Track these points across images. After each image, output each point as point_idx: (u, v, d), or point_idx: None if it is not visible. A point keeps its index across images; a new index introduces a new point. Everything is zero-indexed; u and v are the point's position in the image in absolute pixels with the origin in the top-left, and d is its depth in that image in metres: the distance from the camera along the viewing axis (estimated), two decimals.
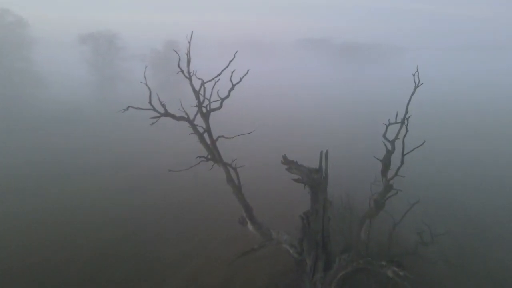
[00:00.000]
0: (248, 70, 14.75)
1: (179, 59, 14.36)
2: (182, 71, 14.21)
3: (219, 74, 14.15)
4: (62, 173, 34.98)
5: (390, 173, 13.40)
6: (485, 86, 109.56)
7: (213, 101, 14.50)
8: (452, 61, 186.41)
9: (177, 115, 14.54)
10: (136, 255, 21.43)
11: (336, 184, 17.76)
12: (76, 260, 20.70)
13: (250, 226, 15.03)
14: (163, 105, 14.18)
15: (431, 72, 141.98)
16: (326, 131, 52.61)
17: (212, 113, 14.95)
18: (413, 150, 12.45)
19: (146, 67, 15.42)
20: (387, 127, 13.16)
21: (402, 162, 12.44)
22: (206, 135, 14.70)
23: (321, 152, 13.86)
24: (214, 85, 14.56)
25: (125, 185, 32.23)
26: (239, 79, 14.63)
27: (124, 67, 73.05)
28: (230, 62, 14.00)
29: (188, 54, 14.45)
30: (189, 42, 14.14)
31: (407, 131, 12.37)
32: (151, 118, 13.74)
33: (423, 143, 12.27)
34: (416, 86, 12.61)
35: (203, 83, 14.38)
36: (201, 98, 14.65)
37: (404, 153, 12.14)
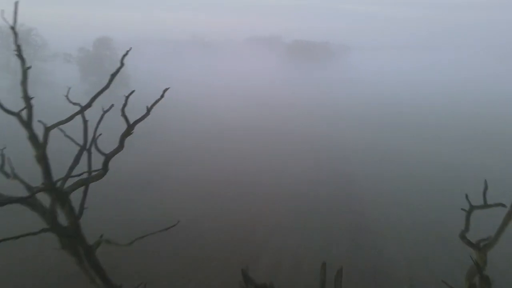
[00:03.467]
0: (167, 90, 7.30)
1: None
2: None
3: (93, 99, 6.54)
4: None
5: None
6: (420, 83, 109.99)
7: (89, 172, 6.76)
8: (394, 59, 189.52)
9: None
10: None
11: None
12: None
13: None
14: None
15: (376, 70, 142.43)
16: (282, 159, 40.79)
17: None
18: None
19: None
20: (468, 215, 6.22)
21: None
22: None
23: (323, 267, 6.56)
24: (99, 122, 6.88)
25: None
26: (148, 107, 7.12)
27: (44, 68, 61.47)
28: (112, 79, 6.41)
29: (18, 48, 6.61)
30: (14, 30, 6.27)
31: None
32: None
33: None
34: None
35: (49, 129, 6.51)
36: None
37: None
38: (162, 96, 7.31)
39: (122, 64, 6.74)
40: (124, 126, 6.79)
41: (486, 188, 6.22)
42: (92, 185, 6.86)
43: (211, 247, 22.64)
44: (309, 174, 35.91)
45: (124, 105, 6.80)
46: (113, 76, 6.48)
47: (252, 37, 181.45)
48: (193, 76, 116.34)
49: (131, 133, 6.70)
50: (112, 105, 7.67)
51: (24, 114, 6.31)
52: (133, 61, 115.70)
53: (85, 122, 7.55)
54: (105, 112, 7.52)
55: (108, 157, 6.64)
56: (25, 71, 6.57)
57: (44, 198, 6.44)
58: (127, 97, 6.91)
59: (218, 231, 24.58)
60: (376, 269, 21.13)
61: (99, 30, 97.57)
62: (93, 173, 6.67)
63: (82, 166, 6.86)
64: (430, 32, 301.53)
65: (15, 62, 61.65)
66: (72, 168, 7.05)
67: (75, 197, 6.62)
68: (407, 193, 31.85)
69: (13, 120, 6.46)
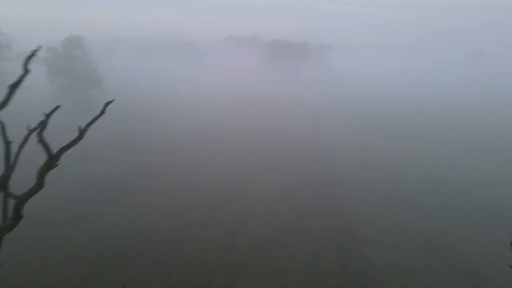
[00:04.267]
0: (109, 103, 5.43)
1: None
2: None
3: None
4: None
5: None
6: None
7: None
8: (374, 59, 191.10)
9: None
10: None
11: None
12: None
13: None
14: None
15: (354, 69, 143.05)
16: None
17: None
18: None
19: None
20: None
21: None
22: None
23: None
24: (22, 146, 4.91)
25: None
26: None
27: (9, 69, 57.63)
28: (12, 91, 4.58)
29: None
30: None
31: None
32: None
33: None
34: None
35: None
36: None
37: None
38: (102, 112, 5.54)
39: (26, 71, 4.89)
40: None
41: None
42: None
43: (188, 260, 20.70)
44: (295, 177, 34.37)
45: (42, 129, 4.93)
46: (13, 87, 4.62)
47: (231, 36, 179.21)
48: (171, 75, 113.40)
49: (56, 165, 4.84)
50: (42, 121, 5.79)
51: None
52: (109, 61, 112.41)
53: (7, 144, 5.62)
54: (31, 131, 5.66)
55: (20, 201, 4.76)
56: None
57: None
58: (42, 123, 5.02)
59: (200, 241, 22.65)
60: (368, 280, 19.74)
61: (70, 30, 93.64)
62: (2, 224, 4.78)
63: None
64: (409, 32, 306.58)
65: None
66: None
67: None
68: (397, 196, 30.72)
69: None
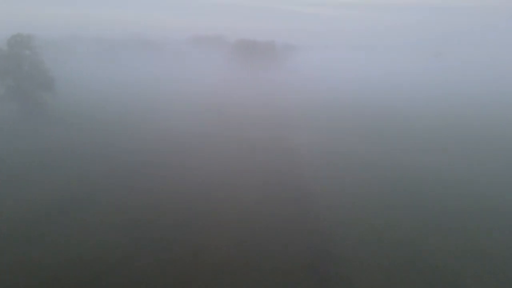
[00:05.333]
0: None
1: None
2: None
3: None
4: None
5: None
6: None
7: None
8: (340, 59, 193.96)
9: None
10: None
11: None
12: None
13: None
14: None
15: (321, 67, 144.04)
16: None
17: None
18: None
19: None
20: None
21: None
22: None
23: None
24: None
25: None
26: None
27: None
28: None
29: None
30: None
31: None
32: None
33: None
34: None
35: None
36: None
37: None
38: None
39: None
40: None
41: None
42: None
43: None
44: (264, 178, 32.35)
45: None
46: None
47: (195, 36, 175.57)
48: (132, 75, 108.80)
49: None
50: None
51: None
52: (65, 61, 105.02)
53: None
54: None
55: None
56: None
57: None
58: None
59: (157, 268, 20.10)
60: None
61: (20, 28, 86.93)
62: None
63: None
64: (373, 33, 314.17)
65: None
66: None
67: None
68: (363, 199, 29.35)
69: None
